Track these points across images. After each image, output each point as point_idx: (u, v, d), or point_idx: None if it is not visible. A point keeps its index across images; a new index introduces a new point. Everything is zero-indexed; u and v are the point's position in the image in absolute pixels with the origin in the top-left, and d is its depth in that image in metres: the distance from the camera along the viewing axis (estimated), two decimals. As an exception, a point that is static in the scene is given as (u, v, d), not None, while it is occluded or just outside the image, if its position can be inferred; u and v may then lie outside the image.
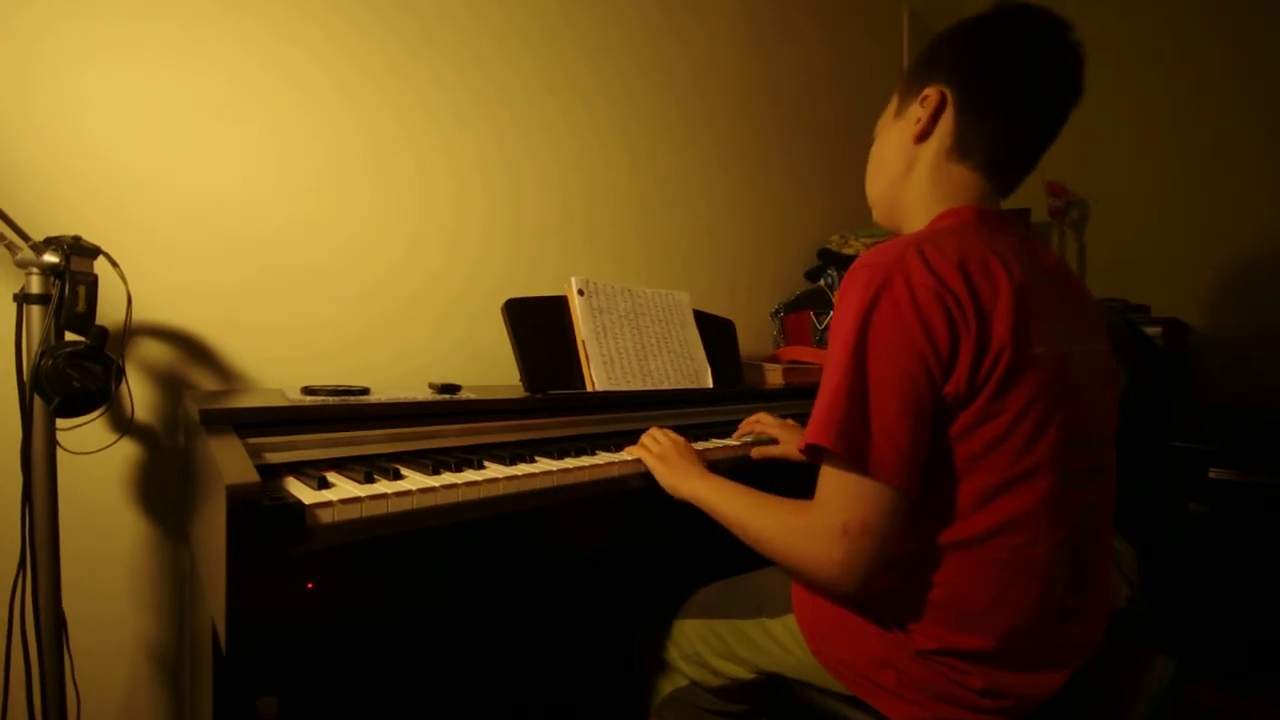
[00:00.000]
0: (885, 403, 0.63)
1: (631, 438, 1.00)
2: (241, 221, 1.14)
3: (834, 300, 1.82)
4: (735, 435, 1.15)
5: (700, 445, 1.05)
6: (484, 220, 1.44)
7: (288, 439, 0.80)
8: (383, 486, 0.72)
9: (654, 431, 0.99)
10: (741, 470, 0.94)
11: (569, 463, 0.90)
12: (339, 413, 0.85)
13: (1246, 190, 2.09)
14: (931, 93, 0.77)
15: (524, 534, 0.84)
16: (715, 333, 1.41)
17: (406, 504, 0.71)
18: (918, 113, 0.79)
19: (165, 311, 1.07)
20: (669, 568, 1.12)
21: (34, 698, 0.88)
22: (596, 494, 0.89)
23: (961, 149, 0.77)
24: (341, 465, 0.82)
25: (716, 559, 0.95)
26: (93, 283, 0.83)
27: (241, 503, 0.57)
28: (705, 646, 0.92)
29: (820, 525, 0.66)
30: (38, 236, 0.81)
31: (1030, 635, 0.67)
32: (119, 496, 1.05)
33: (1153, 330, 1.92)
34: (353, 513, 0.67)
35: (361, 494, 0.68)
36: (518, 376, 1.09)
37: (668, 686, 1.00)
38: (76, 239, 0.82)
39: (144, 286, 1.01)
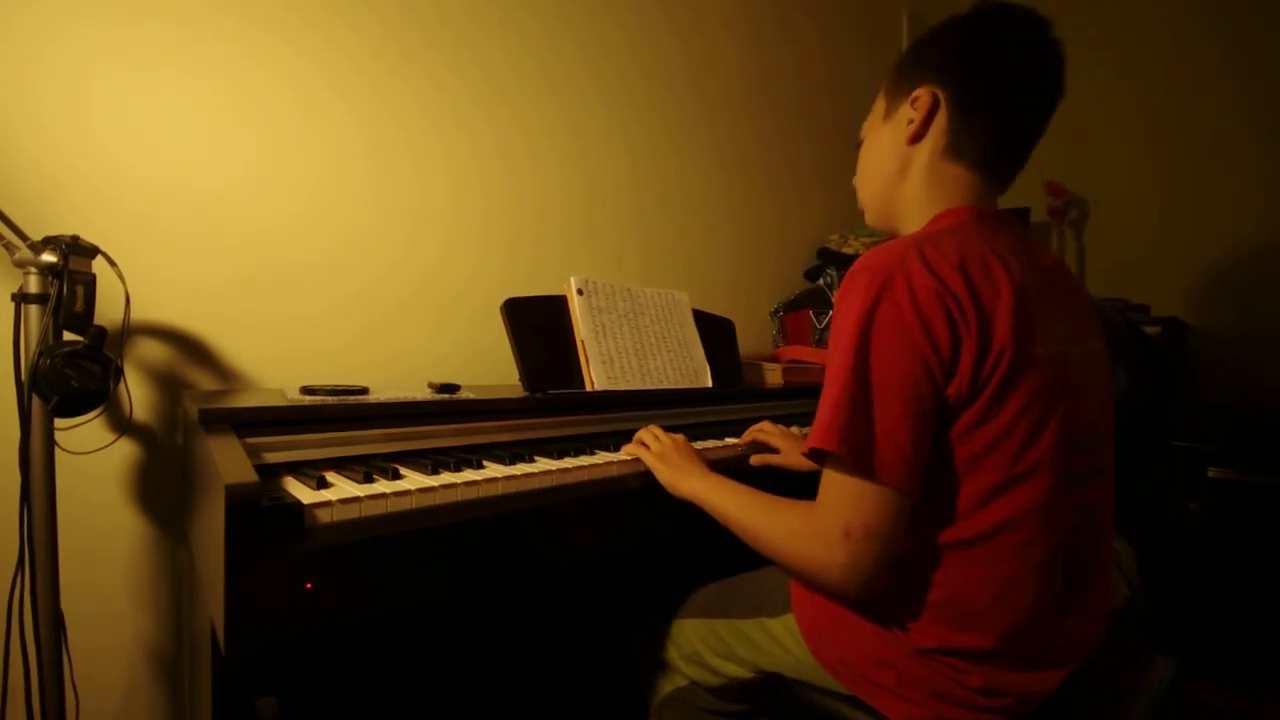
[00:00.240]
0: (888, 405, 0.63)
1: (631, 437, 1.00)
2: (241, 220, 1.14)
3: (833, 301, 1.82)
4: (740, 440, 1.15)
5: (700, 445, 1.05)
6: (482, 220, 1.44)
7: (287, 439, 0.80)
8: (381, 486, 0.72)
9: (651, 429, 0.99)
10: (742, 471, 0.94)
11: (568, 462, 0.90)
12: (338, 412, 0.85)
13: (1246, 190, 2.09)
14: (922, 94, 0.77)
15: (523, 534, 0.84)
16: (714, 332, 1.41)
17: (405, 504, 0.71)
18: (909, 114, 0.79)
19: (164, 311, 1.07)
20: (668, 567, 1.12)
21: (33, 697, 0.88)
22: (596, 494, 0.88)
23: (956, 149, 0.77)
24: (340, 465, 0.82)
25: (715, 559, 0.95)
26: (91, 282, 0.83)
27: (240, 502, 0.57)
28: (704, 646, 0.92)
29: (822, 528, 0.66)
30: (36, 236, 0.81)
31: (1030, 635, 0.67)
32: (117, 496, 1.04)
33: (1152, 330, 1.92)
34: (351, 512, 0.66)
35: (360, 494, 0.68)
36: (517, 376, 1.09)
37: (667, 686, 1.00)
38: (75, 238, 0.82)
39: (143, 286, 1.01)
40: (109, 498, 1.04)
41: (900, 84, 0.81)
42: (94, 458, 0.99)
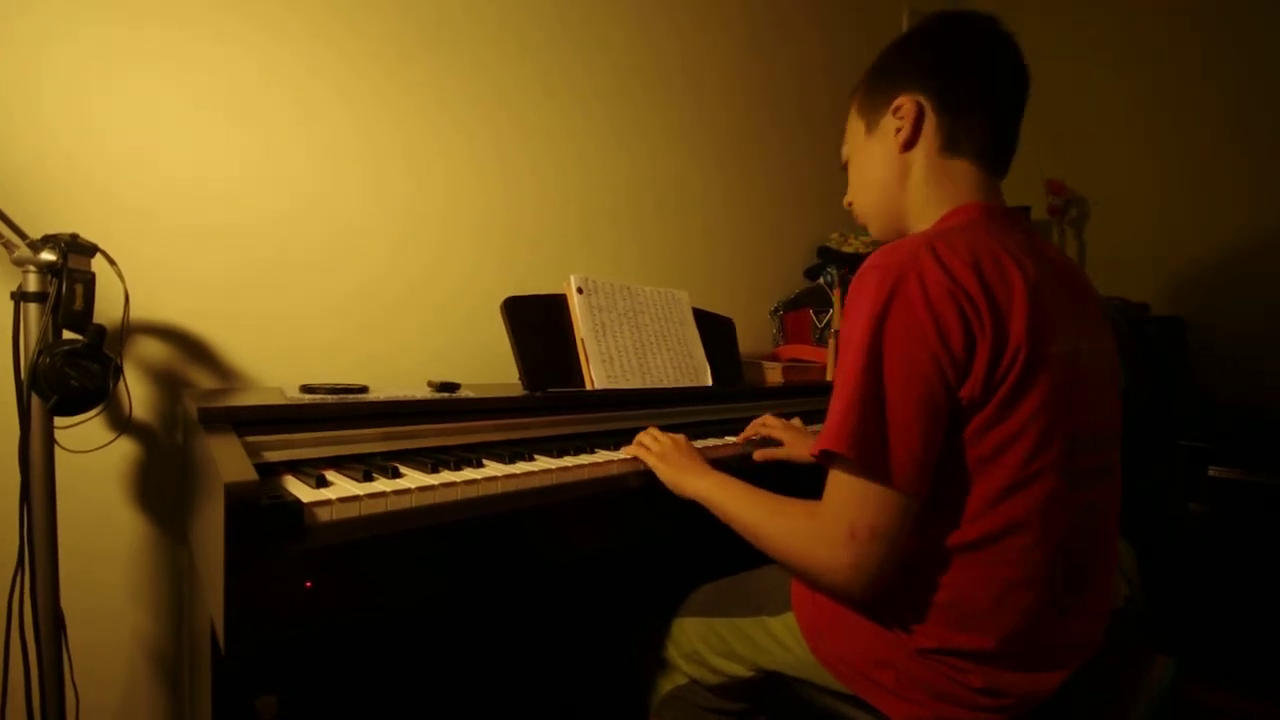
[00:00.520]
0: (900, 407, 0.63)
1: (631, 436, 1.00)
2: (239, 218, 1.14)
3: (834, 299, 1.82)
4: (740, 438, 1.15)
5: (700, 444, 1.05)
6: (480, 219, 1.44)
7: (286, 437, 0.80)
8: (381, 485, 0.72)
9: (651, 431, 0.99)
10: (744, 469, 0.94)
11: (568, 461, 0.90)
12: (337, 411, 0.85)
13: (1247, 189, 2.09)
14: (904, 102, 0.78)
15: (523, 533, 0.83)
16: (714, 331, 1.41)
17: (405, 502, 0.71)
18: (894, 123, 0.79)
19: (163, 309, 1.07)
20: (668, 566, 1.12)
21: (33, 694, 0.88)
22: (596, 493, 0.88)
23: (953, 145, 0.77)
24: (340, 464, 0.82)
25: (716, 557, 0.94)
26: (90, 280, 0.83)
27: (240, 501, 0.57)
28: (704, 645, 0.92)
29: (828, 529, 0.66)
30: (35, 234, 0.81)
31: (1030, 635, 0.67)
32: (117, 494, 1.04)
33: (1152, 328, 1.92)
34: (351, 511, 0.66)
35: (360, 492, 0.68)
36: (515, 374, 1.09)
37: (667, 685, 1.00)
38: (74, 237, 0.82)
39: (142, 284, 1.01)
40: (109, 496, 1.04)
41: (876, 99, 0.82)
42: (94, 456, 0.99)
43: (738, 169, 2.00)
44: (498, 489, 0.79)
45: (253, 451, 0.74)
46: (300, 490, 0.67)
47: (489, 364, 1.38)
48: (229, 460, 0.64)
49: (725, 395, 1.35)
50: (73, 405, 0.81)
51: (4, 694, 0.86)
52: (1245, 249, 2.09)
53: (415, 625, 1.02)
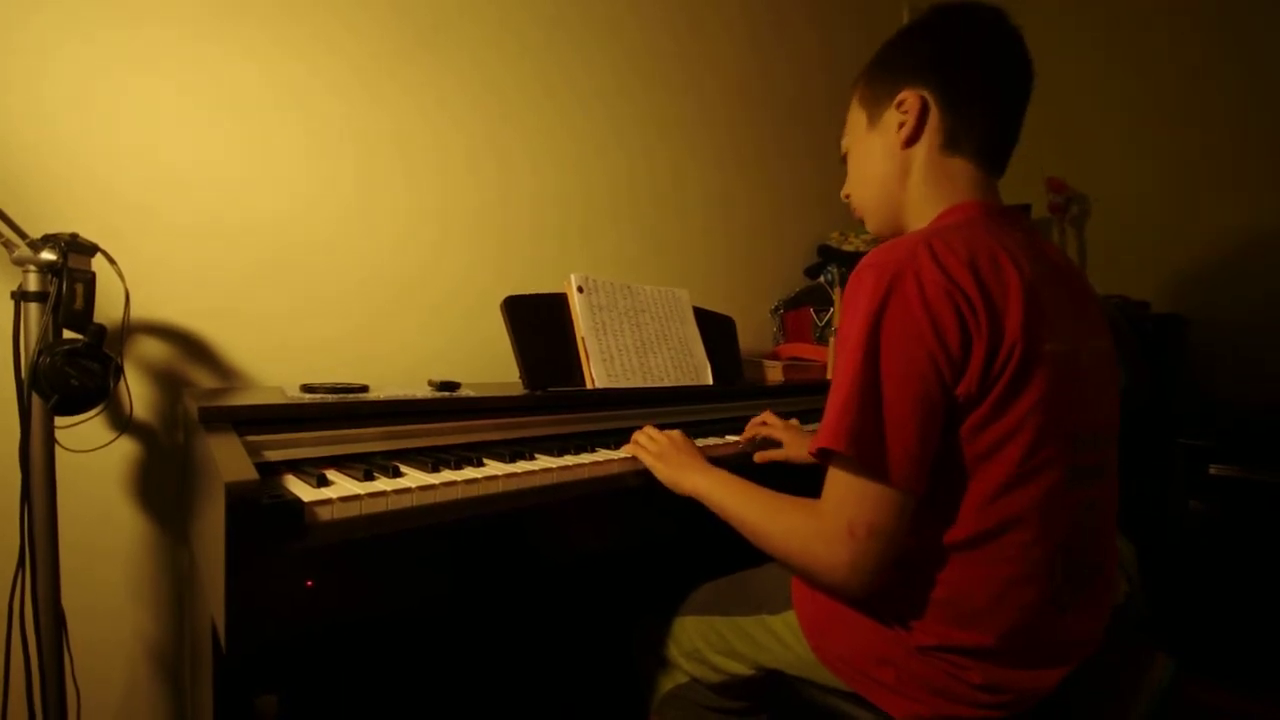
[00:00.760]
0: (896, 404, 0.63)
1: (631, 435, 1.00)
2: (239, 217, 1.14)
3: (835, 297, 1.82)
4: (741, 437, 1.15)
5: (701, 442, 1.05)
6: (481, 219, 1.45)
7: (287, 437, 0.80)
8: (382, 484, 0.72)
9: (648, 430, 0.99)
10: (743, 467, 0.94)
11: (569, 460, 0.90)
12: (338, 410, 0.85)
13: (1247, 187, 2.09)
14: (908, 97, 0.77)
15: (524, 532, 0.83)
16: (715, 330, 1.41)
17: (406, 501, 0.71)
18: (897, 118, 0.79)
19: (163, 308, 1.07)
20: (668, 565, 1.12)
21: (34, 693, 0.88)
22: (596, 491, 0.88)
23: (954, 142, 0.77)
24: (340, 463, 0.82)
25: (716, 556, 0.95)
26: (90, 280, 0.83)
27: (240, 500, 0.57)
28: (705, 643, 0.92)
29: (826, 527, 0.66)
30: (35, 234, 0.81)
31: (1030, 632, 0.67)
32: (118, 494, 1.05)
33: (1152, 326, 1.92)
34: (352, 510, 0.66)
35: (361, 492, 0.68)
36: (515, 372, 1.09)
37: (668, 684, 1.00)
38: (74, 236, 0.82)
39: (141, 283, 1.02)
40: (109, 495, 1.04)
41: (879, 92, 0.81)
42: (94, 456, 0.99)
43: (737, 168, 2.00)
44: (498, 488, 0.79)
45: (253, 451, 0.74)
46: (301, 489, 0.67)
47: (489, 363, 1.38)
48: (229, 459, 0.64)
49: (726, 394, 1.35)
50: (73, 404, 0.81)
51: (5, 692, 0.87)
52: (1246, 247, 2.09)
53: (416, 624, 1.02)
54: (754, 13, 2.01)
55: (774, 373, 1.68)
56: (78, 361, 0.79)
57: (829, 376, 1.71)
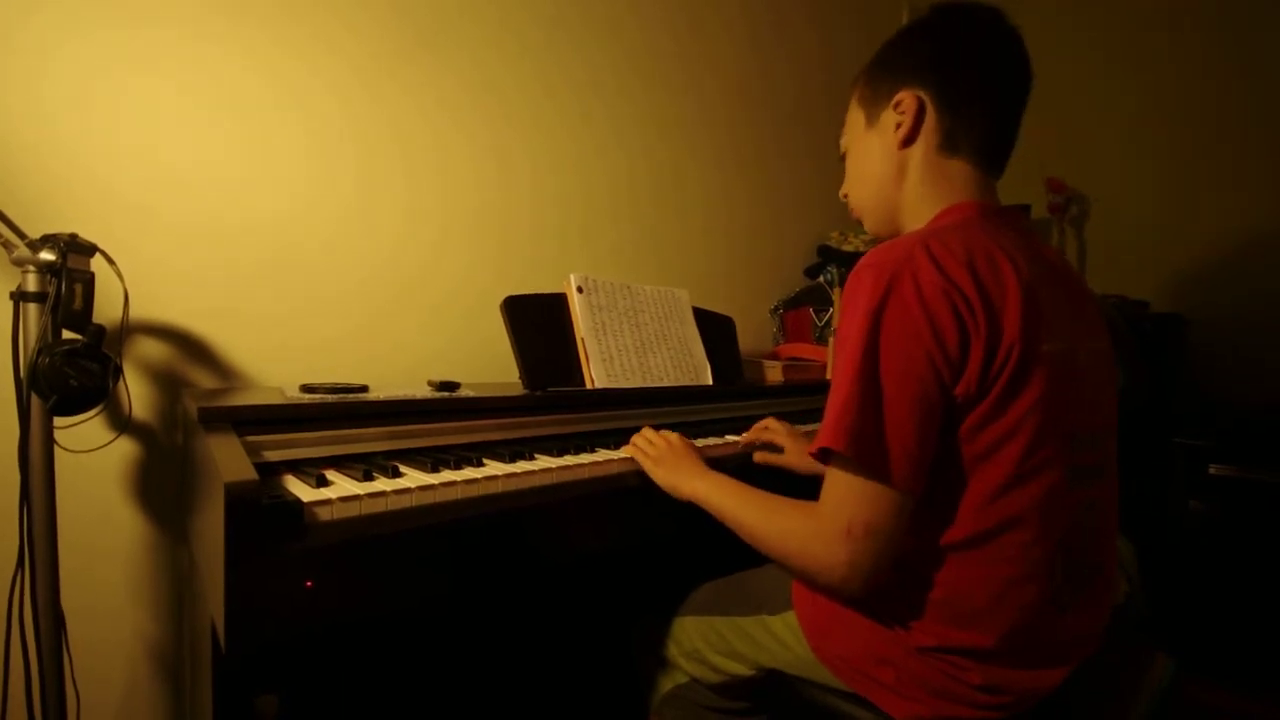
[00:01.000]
0: (895, 405, 0.63)
1: (631, 435, 1.00)
2: (238, 217, 1.14)
3: (834, 298, 1.82)
4: (742, 440, 1.15)
5: (700, 443, 1.04)
6: (480, 218, 1.44)
7: (286, 437, 0.80)
8: (381, 484, 0.72)
9: (646, 433, 0.98)
10: (743, 468, 0.94)
11: (568, 460, 0.90)
12: (338, 411, 0.85)
13: (1246, 186, 2.09)
14: (905, 97, 0.78)
15: (524, 532, 0.84)
16: (715, 330, 1.41)
17: (405, 502, 0.71)
18: (894, 118, 0.79)
19: (162, 308, 1.07)
20: (668, 565, 1.12)
21: (33, 693, 0.88)
22: (596, 491, 0.88)
23: (951, 144, 0.77)
24: (340, 463, 0.82)
25: (716, 556, 0.94)
26: (89, 280, 0.83)
27: (240, 501, 0.57)
28: (705, 643, 0.92)
29: (825, 527, 0.66)
30: (34, 234, 0.81)
31: (1030, 633, 0.67)
32: (117, 494, 1.04)
33: (1152, 326, 1.92)
34: (351, 511, 0.66)
35: (360, 492, 0.68)
36: (514, 372, 1.09)
37: (668, 684, 1.00)
38: (73, 236, 0.82)
39: (141, 283, 1.01)
40: (109, 496, 1.04)
41: (878, 92, 0.81)
42: (93, 456, 0.99)
43: (737, 167, 2.00)
44: (498, 488, 0.79)
45: (253, 451, 0.74)
46: (300, 490, 0.67)
47: (489, 363, 1.38)
48: (229, 460, 0.64)
49: (725, 394, 1.35)
50: (72, 405, 0.80)
51: (4, 692, 0.86)
52: (1245, 247, 2.09)
53: (416, 624, 1.02)
54: (754, 13, 2.01)
55: (774, 373, 1.68)
56: (77, 362, 0.79)
57: (828, 377, 1.71)
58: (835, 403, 0.65)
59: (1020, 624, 0.67)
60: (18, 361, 0.82)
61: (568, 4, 1.56)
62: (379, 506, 0.68)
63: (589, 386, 1.14)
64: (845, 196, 0.91)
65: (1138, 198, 2.30)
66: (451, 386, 1.04)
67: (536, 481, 0.83)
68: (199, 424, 0.75)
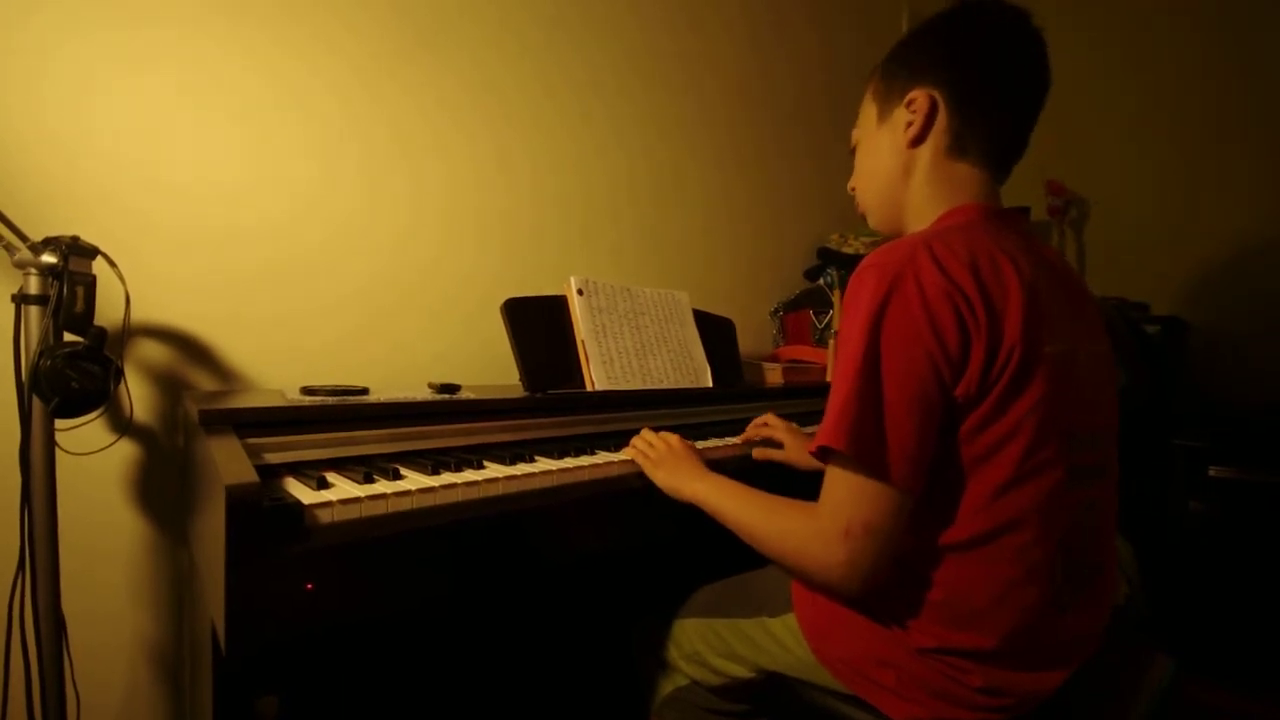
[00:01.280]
0: (896, 404, 0.63)
1: (631, 437, 1.00)
2: (239, 219, 1.14)
3: (834, 300, 1.82)
4: (741, 437, 1.15)
5: (701, 444, 1.05)
6: (479, 220, 1.44)
7: (287, 439, 0.80)
8: (382, 486, 0.72)
9: (646, 435, 0.99)
10: (743, 470, 0.94)
11: (569, 462, 0.90)
12: (338, 413, 0.85)
13: (1245, 188, 2.09)
14: (918, 96, 0.77)
15: (524, 534, 0.84)
16: (715, 332, 1.41)
17: (406, 504, 0.71)
18: (906, 117, 0.78)
19: (163, 311, 1.07)
20: (669, 567, 1.12)
21: (33, 696, 0.88)
22: (596, 493, 0.88)
23: (960, 147, 0.76)
24: (341, 465, 0.82)
25: (716, 558, 0.95)
26: (91, 283, 0.83)
27: (241, 503, 0.57)
28: (705, 646, 0.92)
29: (824, 526, 0.66)
30: (36, 237, 0.81)
31: (1031, 634, 0.67)
32: (118, 496, 1.04)
33: (1152, 328, 1.92)
34: (352, 513, 0.66)
35: (361, 494, 0.68)
36: (515, 374, 1.09)
37: (668, 686, 1.00)
38: (75, 239, 0.82)
39: (142, 285, 1.01)
40: (110, 498, 1.04)
41: (891, 88, 0.81)
42: (94, 458, 0.99)
43: (737, 169, 2.00)
44: (498, 490, 0.79)
45: (253, 453, 0.74)
46: (301, 492, 0.67)
47: (489, 365, 1.38)
48: (230, 462, 0.64)
49: (725, 396, 1.35)
50: (73, 407, 0.81)
51: (4, 695, 0.86)
52: (1245, 249, 2.09)
53: (416, 626, 1.02)
54: (754, 13, 2.01)
55: (773, 375, 1.69)
56: (78, 364, 0.79)
57: (828, 379, 1.71)
58: (836, 402, 0.65)
59: (1021, 625, 0.67)
60: (19, 364, 0.82)
61: (568, 4, 1.56)
62: (379, 509, 0.69)
63: (589, 389, 1.14)
64: (853, 190, 0.90)
65: (1137, 200, 2.31)
66: (452, 389, 1.04)
67: (537, 484, 0.83)
68: (200, 426, 0.75)
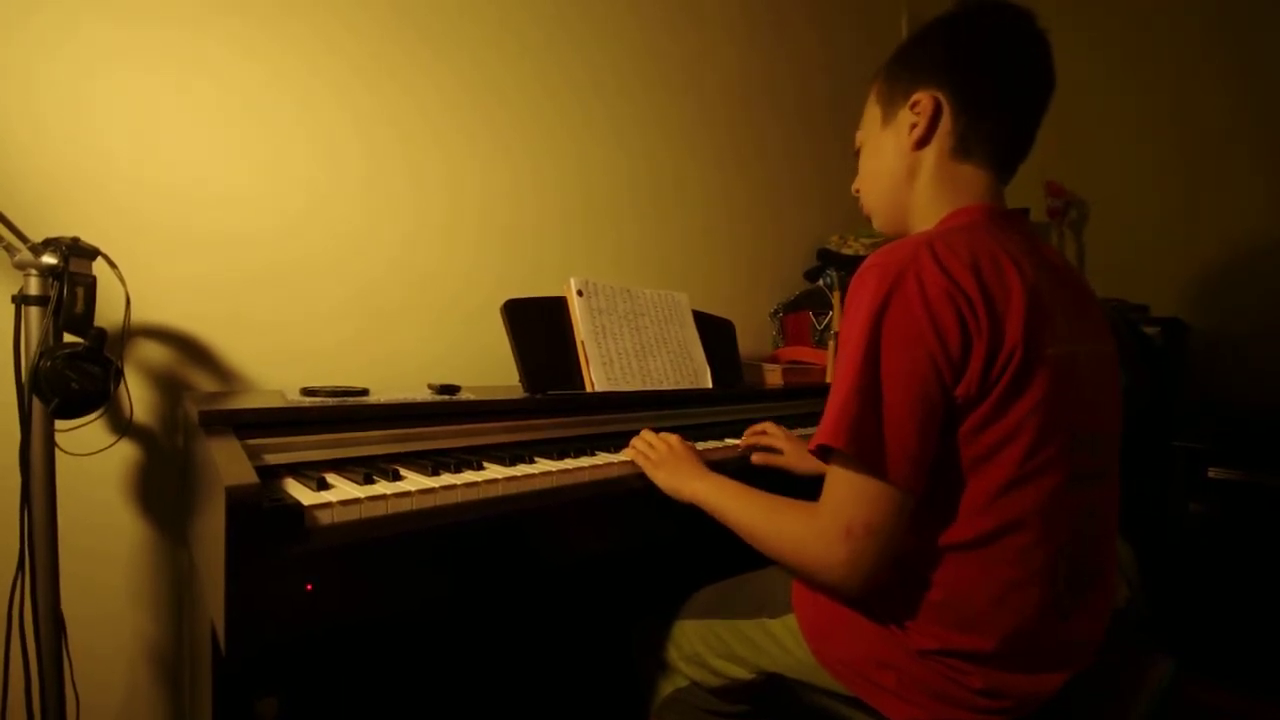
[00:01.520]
0: (896, 404, 0.63)
1: (631, 438, 1.00)
2: (240, 220, 1.14)
3: (834, 301, 1.82)
4: (741, 442, 1.15)
5: (700, 446, 1.05)
6: (480, 221, 1.45)
7: (287, 440, 0.80)
8: (382, 487, 0.72)
9: (646, 435, 0.99)
10: (743, 470, 0.94)
11: (568, 463, 0.90)
12: (338, 414, 0.85)
13: (1245, 189, 2.09)
14: (923, 98, 0.77)
15: (524, 535, 0.83)
16: (714, 333, 1.41)
17: (406, 505, 0.71)
18: (910, 118, 0.78)
19: (164, 312, 1.07)
20: (668, 568, 1.12)
21: (33, 697, 0.88)
22: (596, 494, 0.88)
23: (964, 149, 0.76)
24: (341, 466, 0.82)
25: (716, 559, 0.95)
26: (91, 284, 0.83)
27: (241, 504, 0.57)
28: (705, 647, 0.92)
29: (824, 525, 0.66)
30: (36, 238, 0.81)
31: (1031, 637, 0.67)
32: (118, 497, 1.04)
33: (1152, 330, 1.92)
34: (352, 514, 0.67)
35: (360, 495, 0.68)
36: (515, 376, 1.09)
37: (668, 687, 1.00)
38: (75, 240, 0.82)
39: (143, 286, 1.01)
40: (109, 499, 1.04)
41: (895, 89, 0.81)
42: (94, 459, 0.99)
43: (737, 169, 2.00)
44: (498, 491, 0.79)
45: (253, 454, 0.74)
46: (301, 493, 0.68)
47: (489, 366, 1.38)
48: (230, 463, 0.64)
49: (725, 397, 1.35)
50: (73, 408, 0.81)
51: (4, 696, 0.86)
52: (1245, 250, 2.09)
53: (416, 627, 1.02)
54: (754, 13, 2.01)
55: (773, 376, 1.68)
56: (78, 365, 0.79)
57: (828, 380, 1.71)
58: (836, 400, 0.65)
59: (1021, 628, 0.67)
60: (19, 365, 0.82)
61: (568, 4, 1.56)
62: (379, 510, 0.69)
63: (589, 389, 1.14)
64: (857, 192, 0.90)
65: (1137, 201, 2.30)
66: (452, 389, 1.04)
67: (536, 485, 0.83)
68: (200, 427, 0.75)
